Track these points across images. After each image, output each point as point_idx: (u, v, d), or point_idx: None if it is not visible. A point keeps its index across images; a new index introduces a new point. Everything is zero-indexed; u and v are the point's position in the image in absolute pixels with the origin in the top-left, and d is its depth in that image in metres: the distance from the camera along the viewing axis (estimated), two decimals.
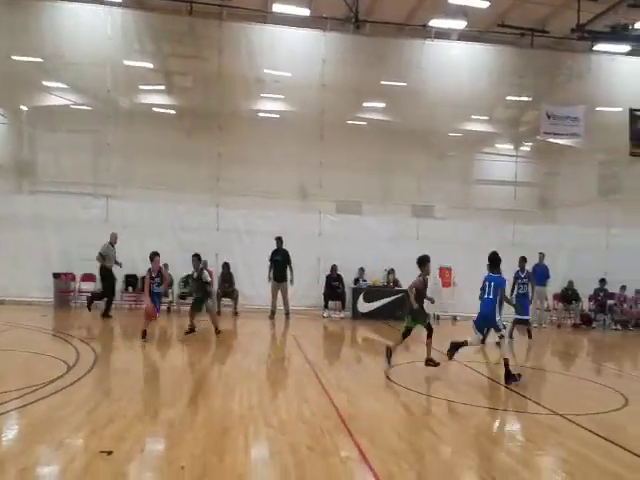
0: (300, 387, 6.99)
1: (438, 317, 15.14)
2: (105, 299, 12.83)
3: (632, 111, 16.12)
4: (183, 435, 4.89)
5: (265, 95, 16.09)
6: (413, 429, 5.48)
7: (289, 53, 15.00)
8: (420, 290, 8.27)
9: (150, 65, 16.07)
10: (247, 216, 14.94)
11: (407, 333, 8.25)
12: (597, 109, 16.28)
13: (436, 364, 8.19)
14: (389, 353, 8.12)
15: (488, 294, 7.89)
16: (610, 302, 15.52)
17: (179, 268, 13.56)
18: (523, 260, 11.64)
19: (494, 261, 8.15)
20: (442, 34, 15.68)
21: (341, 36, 15.34)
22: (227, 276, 14.31)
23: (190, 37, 15.44)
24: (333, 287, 14.83)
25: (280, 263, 13.57)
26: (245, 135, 14.84)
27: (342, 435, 5.12)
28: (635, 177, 16.63)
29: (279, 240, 13.72)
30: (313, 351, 10.03)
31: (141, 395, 6.32)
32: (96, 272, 13.41)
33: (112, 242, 12.95)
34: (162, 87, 16.99)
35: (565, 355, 10.93)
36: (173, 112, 16.78)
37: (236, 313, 14.13)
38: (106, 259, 12.75)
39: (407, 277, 14.85)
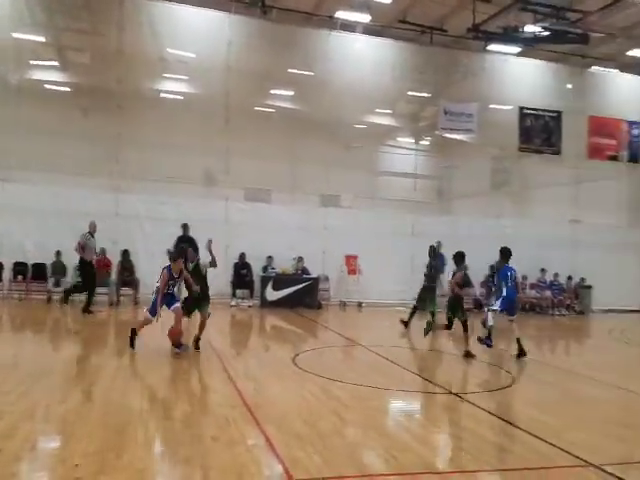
0: (206, 377, 6.87)
1: (345, 304, 15.52)
2: (86, 293, 11.85)
3: (521, 109, 17.31)
4: (77, 432, 4.62)
5: (168, 75, 15.47)
6: (319, 414, 5.57)
7: (193, 34, 14.51)
8: (459, 284, 9.06)
9: (42, 39, 14.89)
10: (149, 201, 14.34)
11: (450, 324, 9.27)
12: (490, 107, 17.19)
13: (472, 356, 8.80)
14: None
15: (512, 282, 9.09)
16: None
17: (74, 256, 12.80)
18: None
19: (507, 254, 9.29)
20: (348, 26, 15.87)
21: (247, 20, 15.07)
22: (127, 264, 13.73)
23: (87, 11, 14.45)
24: (241, 275, 14.67)
25: None
26: (147, 116, 14.21)
27: (248, 424, 5.09)
28: (522, 171, 17.93)
29: (185, 227, 13.32)
30: (220, 340, 9.85)
31: (31, 390, 5.88)
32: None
33: (91, 231, 11.92)
34: (56, 63, 15.81)
35: (459, 338, 11.58)
36: (68, 90, 15.67)
37: (137, 302, 13.61)
38: (85, 250, 11.71)
39: (315, 265, 15.26)
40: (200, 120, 14.24)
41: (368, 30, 16.19)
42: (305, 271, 15.05)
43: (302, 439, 4.75)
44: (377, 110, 17.73)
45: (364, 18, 15.58)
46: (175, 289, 8.31)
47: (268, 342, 10.79)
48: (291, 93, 16.76)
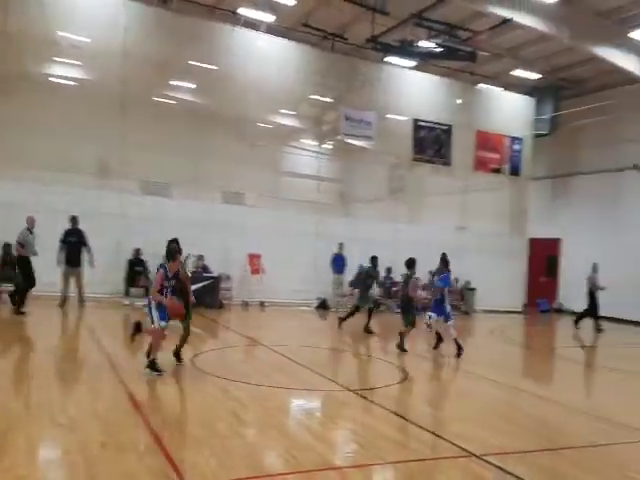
0: (95, 381, 6.47)
1: (247, 303, 15.36)
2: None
3: (415, 121, 18.16)
4: None
5: (60, 60, 14.39)
6: (217, 416, 5.47)
7: (87, 17, 13.65)
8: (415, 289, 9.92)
9: None
10: (35, 191, 13.21)
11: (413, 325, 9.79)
12: (387, 116, 17.76)
13: (404, 350, 9.58)
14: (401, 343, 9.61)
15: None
16: (394, 289, 17.38)
17: None
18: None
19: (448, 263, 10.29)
20: (252, 24, 15.73)
21: (145, 7, 14.42)
22: (7, 259, 12.62)
23: None
24: (136, 272, 14.04)
25: (74, 245, 12.35)
26: (35, 100, 13.11)
27: (141, 429, 4.89)
28: (416, 180, 18.82)
29: (74, 219, 12.47)
30: (111, 342, 9.35)
31: None
32: None
33: (30, 227, 11.09)
34: None
35: (357, 336, 11.95)
36: None
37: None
38: (26, 247, 10.95)
39: (217, 264, 14.94)
40: (94, 107, 13.38)
41: (272, 30, 16.12)
42: (206, 269, 14.69)
43: (198, 442, 4.65)
44: (281, 110, 17.71)
45: (268, 18, 15.51)
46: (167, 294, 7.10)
47: (164, 343, 10.39)
48: (193, 86, 16.26)
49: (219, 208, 15.51)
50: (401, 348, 9.64)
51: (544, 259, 21.10)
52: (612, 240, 18.04)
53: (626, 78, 16.51)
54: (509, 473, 4.48)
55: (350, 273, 16.66)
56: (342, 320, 12.16)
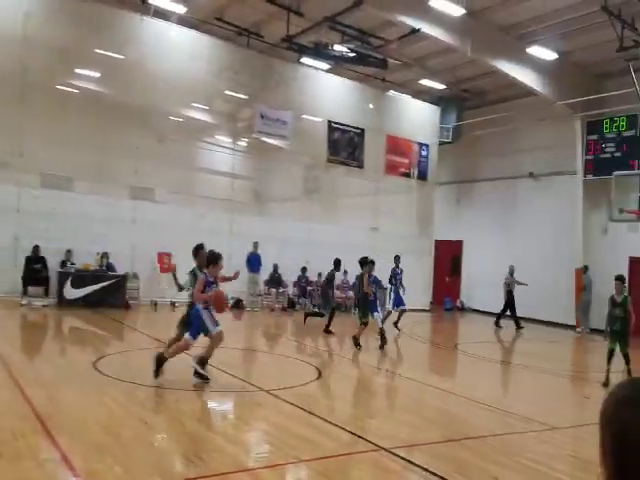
0: None
1: (156, 303, 14.80)
2: None
3: (330, 123, 18.43)
4: None
5: None
6: (122, 421, 5.24)
7: None
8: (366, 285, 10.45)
9: None
10: None
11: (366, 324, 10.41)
12: (303, 116, 17.87)
13: (358, 344, 10.26)
14: (356, 342, 10.23)
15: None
16: (309, 288, 17.54)
17: None
18: (397, 259, 13.53)
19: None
20: (162, 14, 15.19)
21: None
22: None
23: None
24: (34, 270, 13.10)
25: None
26: None
27: (39, 436, 4.60)
28: (331, 181, 19.10)
29: None
30: (7, 344, 8.66)
31: None
32: None
33: None
34: None
35: (272, 335, 11.95)
36: None
37: None
38: None
39: (123, 262, 14.28)
40: None
41: (183, 21, 15.65)
42: (111, 267, 14.00)
43: (102, 449, 4.43)
44: (194, 104, 17.17)
45: (179, 9, 15.04)
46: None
47: (65, 345, 9.82)
48: (97, 75, 15.35)
49: (126, 204, 14.82)
50: (356, 344, 10.32)
51: (449, 260, 22.18)
52: (509, 242, 19.33)
53: (523, 91, 17.69)
54: (415, 464, 4.66)
55: (266, 272, 16.68)
56: (306, 317, 12.77)
